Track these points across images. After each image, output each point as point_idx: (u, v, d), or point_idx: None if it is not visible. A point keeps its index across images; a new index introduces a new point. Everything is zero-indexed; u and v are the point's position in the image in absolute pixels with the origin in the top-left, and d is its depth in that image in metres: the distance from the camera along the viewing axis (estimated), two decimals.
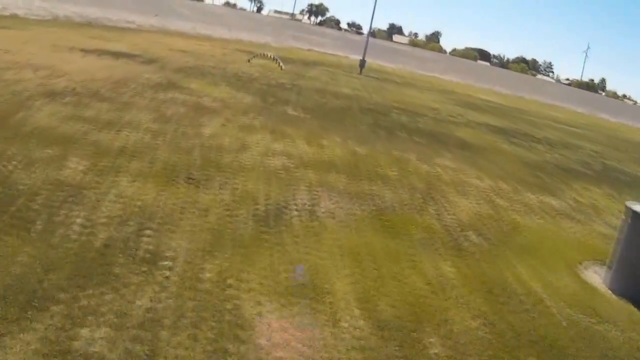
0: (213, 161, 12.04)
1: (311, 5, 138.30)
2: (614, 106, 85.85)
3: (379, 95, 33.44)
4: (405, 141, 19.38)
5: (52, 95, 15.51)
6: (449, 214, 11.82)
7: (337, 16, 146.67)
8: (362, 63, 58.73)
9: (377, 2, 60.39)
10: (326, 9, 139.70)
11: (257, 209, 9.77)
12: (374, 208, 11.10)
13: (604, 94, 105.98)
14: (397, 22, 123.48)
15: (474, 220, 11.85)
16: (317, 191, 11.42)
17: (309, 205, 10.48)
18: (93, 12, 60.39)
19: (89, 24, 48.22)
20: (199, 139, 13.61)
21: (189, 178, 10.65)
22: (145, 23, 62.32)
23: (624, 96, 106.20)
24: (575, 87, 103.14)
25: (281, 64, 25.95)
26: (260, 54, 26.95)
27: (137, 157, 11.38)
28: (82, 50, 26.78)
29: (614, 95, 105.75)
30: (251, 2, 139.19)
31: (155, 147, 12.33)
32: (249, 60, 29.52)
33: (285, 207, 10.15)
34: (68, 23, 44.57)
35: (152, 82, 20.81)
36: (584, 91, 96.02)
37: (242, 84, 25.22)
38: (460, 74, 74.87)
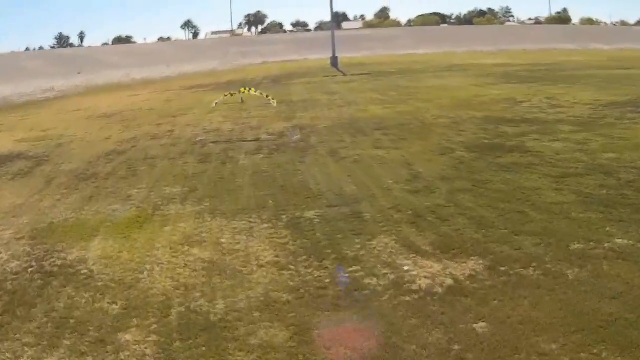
0: None
1: (248, 15, 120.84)
2: (595, 33, 73.32)
3: (426, 103, 19.26)
4: None
5: None
6: None
7: (279, 20, 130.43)
8: (335, 61, 44.76)
9: None
10: (265, 16, 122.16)
11: None
12: None
13: (575, 23, 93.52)
14: (339, 10, 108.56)
15: None
16: None
17: None
18: (1, 91, 44.73)
19: None
20: None
21: None
22: (68, 86, 46.98)
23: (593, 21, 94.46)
24: (547, 23, 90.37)
25: (271, 99, 12.59)
26: (231, 95, 13.25)
27: None
28: None
29: (589, 21, 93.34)
30: (185, 30, 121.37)
31: None
32: (216, 103, 15.35)
33: None
34: None
35: None
36: (562, 26, 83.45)
37: (216, 176, 10.67)
38: (434, 43, 61.25)
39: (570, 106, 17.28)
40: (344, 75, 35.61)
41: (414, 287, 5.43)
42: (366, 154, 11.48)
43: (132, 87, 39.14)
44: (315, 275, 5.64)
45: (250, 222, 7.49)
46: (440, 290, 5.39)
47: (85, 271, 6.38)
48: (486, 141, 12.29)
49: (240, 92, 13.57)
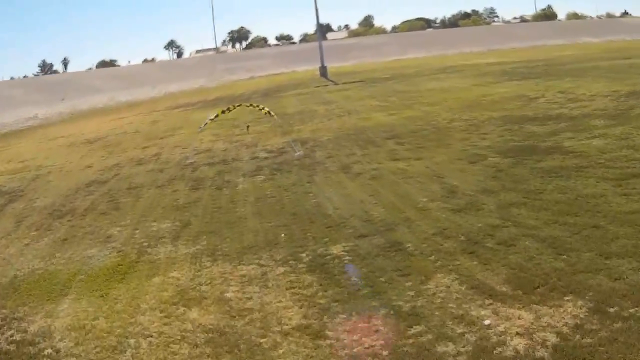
0: None
1: (232, 32, 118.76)
2: (582, 27, 72.42)
3: (433, 107, 17.71)
4: None
5: None
6: None
7: (263, 34, 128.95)
8: (324, 71, 43.42)
9: (311, 7, 45.56)
10: (248, 32, 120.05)
11: None
12: None
13: (561, 18, 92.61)
14: (322, 21, 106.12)
15: None
16: None
17: None
18: None
19: None
20: None
21: None
22: (52, 113, 45.27)
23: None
24: (533, 21, 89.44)
25: (273, 114, 11.21)
26: (223, 112, 11.78)
27: None
28: None
29: (575, 16, 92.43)
30: (169, 50, 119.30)
31: None
32: (209, 120, 13.76)
33: None
34: None
35: None
36: (549, 22, 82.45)
37: (212, 205, 9.04)
38: (422, 48, 59.99)
39: (590, 99, 15.87)
40: (336, 84, 34.16)
41: (509, 351, 3.83)
42: (384, 167, 9.89)
43: (117, 110, 37.49)
44: (366, 345, 4.01)
45: (261, 265, 5.84)
46: (545, 354, 3.79)
47: (50, 351, 4.72)
48: (517, 143, 10.75)
49: (229, 109, 12.17)
